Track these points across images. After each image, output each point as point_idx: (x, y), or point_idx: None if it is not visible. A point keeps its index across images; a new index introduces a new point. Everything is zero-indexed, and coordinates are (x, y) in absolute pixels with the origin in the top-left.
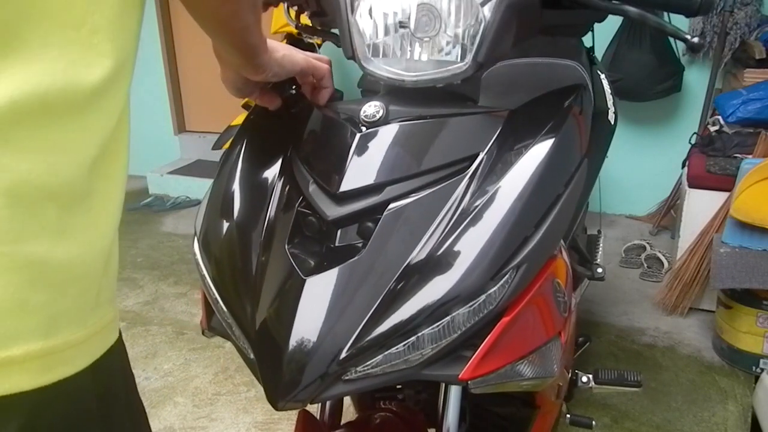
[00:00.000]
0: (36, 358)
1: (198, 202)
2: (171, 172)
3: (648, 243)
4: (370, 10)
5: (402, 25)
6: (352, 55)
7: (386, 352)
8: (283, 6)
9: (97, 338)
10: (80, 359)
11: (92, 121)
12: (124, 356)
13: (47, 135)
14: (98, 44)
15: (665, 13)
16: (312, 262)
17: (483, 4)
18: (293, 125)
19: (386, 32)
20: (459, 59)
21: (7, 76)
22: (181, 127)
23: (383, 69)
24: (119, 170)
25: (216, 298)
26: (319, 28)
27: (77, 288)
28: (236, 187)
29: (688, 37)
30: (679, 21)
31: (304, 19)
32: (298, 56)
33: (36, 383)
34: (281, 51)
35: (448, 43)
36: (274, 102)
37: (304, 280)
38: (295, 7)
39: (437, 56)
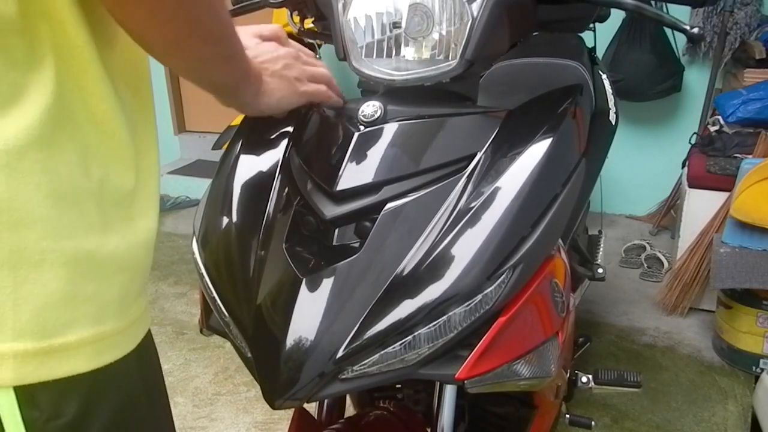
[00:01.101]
0: (89, 343)
1: (198, 202)
2: (171, 172)
3: (648, 243)
4: (362, 11)
5: (395, 25)
6: (344, 56)
7: (383, 352)
8: (286, 11)
9: (138, 324)
10: (126, 344)
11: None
12: (153, 343)
13: (83, 137)
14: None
15: (663, 6)
16: (309, 261)
17: (470, 2)
18: (291, 124)
19: (380, 33)
20: (451, 58)
21: (45, 81)
22: (181, 127)
23: (373, 69)
24: (153, 165)
25: (214, 297)
26: (320, 31)
27: (122, 279)
28: (234, 186)
29: (687, 27)
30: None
31: (307, 23)
32: (292, 95)
33: (91, 366)
34: (278, 93)
35: (439, 43)
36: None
37: (302, 279)
38: (297, 12)
39: (428, 56)
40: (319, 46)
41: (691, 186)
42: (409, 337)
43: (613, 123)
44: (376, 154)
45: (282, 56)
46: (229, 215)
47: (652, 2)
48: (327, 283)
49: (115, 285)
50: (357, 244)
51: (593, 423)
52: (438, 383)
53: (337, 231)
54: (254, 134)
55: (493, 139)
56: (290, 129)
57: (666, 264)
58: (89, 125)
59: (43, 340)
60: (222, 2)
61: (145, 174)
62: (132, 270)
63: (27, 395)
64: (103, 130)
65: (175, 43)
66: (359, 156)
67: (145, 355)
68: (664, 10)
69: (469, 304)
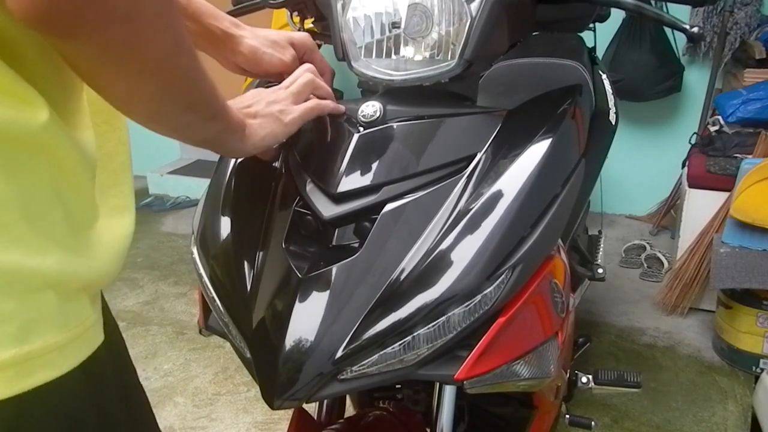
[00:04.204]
0: (10, 365)
1: (198, 202)
2: (171, 172)
3: (648, 243)
4: (362, 11)
5: (395, 25)
6: (343, 57)
7: (382, 352)
8: (286, 12)
9: (83, 339)
10: (65, 361)
11: (44, 142)
12: (118, 351)
13: (9, 153)
14: None
15: (663, 6)
16: (309, 262)
17: (469, 2)
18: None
19: (380, 33)
20: (450, 58)
21: None
22: None
23: (372, 69)
24: (86, 180)
25: (213, 297)
26: (319, 32)
27: (56, 293)
28: (233, 186)
29: (687, 26)
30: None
31: (307, 24)
32: (278, 128)
33: (13, 391)
34: (262, 132)
35: (438, 43)
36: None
37: (301, 280)
38: (297, 13)
39: (427, 55)
40: (319, 46)
41: (691, 186)
42: (409, 338)
43: (613, 123)
44: (375, 155)
45: (267, 94)
46: (228, 216)
47: (652, 2)
48: (326, 284)
49: (46, 300)
50: (356, 245)
51: (593, 423)
52: (437, 383)
53: (336, 231)
54: None
55: (493, 139)
56: None
57: (666, 264)
58: (23, 143)
59: None
60: (203, 70)
61: (81, 189)
62: (72, 282)
63: None
64: (39, 147)
65: (157, 116)
66: (359, 157)
67: (100, 373)
68: (664, 9)
69: (469, 305)
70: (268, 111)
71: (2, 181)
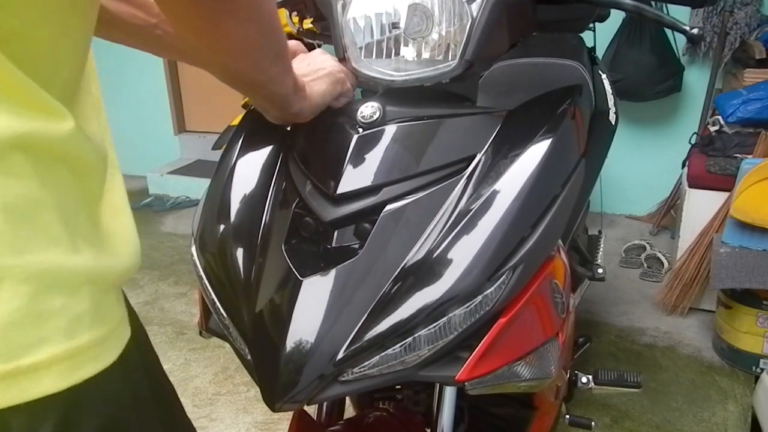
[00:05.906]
0: (62, 360)
1: (198, 202)
2: (171, 172)
3: (648, 243)
4: (362, 11)
5: (395, 25)
6: (343, 57)
7: (383, 353)
8: (285, 12)
9: (117, 333)
10: (106, 355)
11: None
12: (143, 342)
13: (42, 160)
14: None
15: (663, 7)
16: (309, 264)
17: (470, 3)
18: (290, 125)
19: (380, 33)
20: (450, 58)
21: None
22: (181, 127)
23: (372, 69)
24: (101, 182)
25: (213, 299)
26: (319, 32)
27: (94, 289)
28: (233, 187)
29: (687, 28)
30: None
31: (306, 24)
32: (332, 86)
33: (66, 384)
34: (320, 89)
35: (438, 43)
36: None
37: (301, 281)
38: (296, 13)
39: (427, 56)
40: (319, 46)
41: (691, 186)
42: (409, 339)
43: (613, 123)
44: (375, 156)
45: (311, 61)
46: (228, 217)
47: (652, 2)
48: (327, 285)
49: (86, 296)
50: (356, 246)
51: (593, 423)
52: (438, 384)
53: (336, 233)
54: (252, 135)
55: (493, 139)
56: (288, 129)
57: (666, 264)
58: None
59: (10, 362)
60: (279, 20)
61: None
62: (104, 278)
63: None
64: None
65: (259, 65)
66: (359, 159)
67: (132, 365)
68: (664, 10)
69: (470, 306)
70: (317, 71)
71: (38, 187)
